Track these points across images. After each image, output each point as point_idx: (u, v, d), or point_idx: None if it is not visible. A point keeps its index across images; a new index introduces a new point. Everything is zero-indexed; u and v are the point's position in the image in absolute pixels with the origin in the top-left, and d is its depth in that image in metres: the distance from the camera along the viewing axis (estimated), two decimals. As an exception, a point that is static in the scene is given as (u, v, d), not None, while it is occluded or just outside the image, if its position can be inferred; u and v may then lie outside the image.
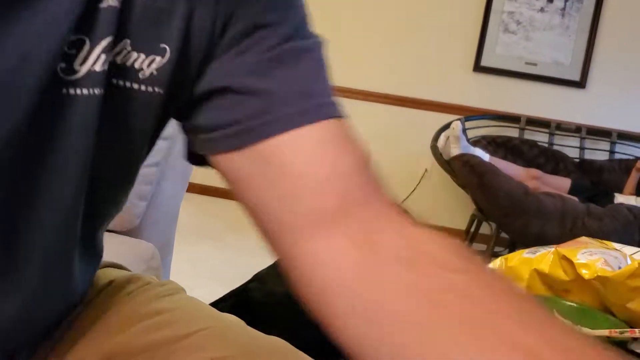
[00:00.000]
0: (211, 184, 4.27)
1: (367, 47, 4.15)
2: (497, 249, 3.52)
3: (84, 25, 0.42)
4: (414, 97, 4.12)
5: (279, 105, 0.48)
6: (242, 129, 0.48)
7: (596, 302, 0.84)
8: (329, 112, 0.53)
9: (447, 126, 3.56)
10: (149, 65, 0.47)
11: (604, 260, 0.80)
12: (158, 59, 0.48)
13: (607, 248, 0.90)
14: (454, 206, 4.09)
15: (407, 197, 4.13)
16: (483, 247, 3.55)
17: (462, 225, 3.76)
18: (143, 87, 0.48)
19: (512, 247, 3.79)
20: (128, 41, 0.46)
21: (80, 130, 0.45)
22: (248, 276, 2.84)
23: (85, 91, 0.44)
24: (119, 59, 0.46)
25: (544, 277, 0.91)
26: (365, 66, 4.16)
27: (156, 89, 0.49)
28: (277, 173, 0.47)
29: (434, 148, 3.51)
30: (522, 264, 0.97)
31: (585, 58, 3.99)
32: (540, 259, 0.93)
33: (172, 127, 1.12)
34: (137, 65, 0.47)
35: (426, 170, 4.13)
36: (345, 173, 0.50)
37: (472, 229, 3.64)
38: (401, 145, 4.17)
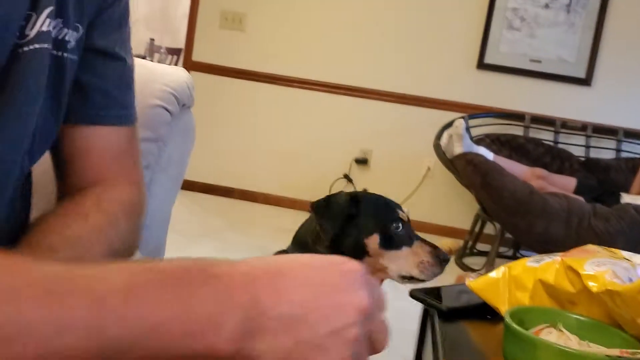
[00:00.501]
0: (213, 182, 4.24)
1: (370, 45, 4.10)
2: (501, 249, 3.48)
3: (33, 4, 0.61)
4: (417, 95, 4.07)
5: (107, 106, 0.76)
6: (78, 113, 0.74)
7: (604, 316, 0.80)
8: (134, 119, 0.81)
9: (450, 124, 3.52)
10: (73, 38, 0.68)
11: (612, 271, 0.76)
12: (76, 34, 0.69)
13: (616, 257, 0.85)
14: (458, 205, 4.05)
15: (410, 195, 4.09)
16: (487, 247, 3.51)
17: (466, 225, 3.72)
18: (67, 55, 0.68)
19: (517, 247, 3.75)
20: (60, 20, 0.66)
21: (35, 77, 0.63)
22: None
23: (37, 46, 0.62)
24: (53, 33, 0.65)
25: (549, 288, 0.86)
26: (368, 64, 4.11)
27: (75, 57, 0.69)
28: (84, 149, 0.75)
29: (437, 146, 3.46)
30: (525, 272, 0.92)
31: (590, 55, 3.94)
32: (545, 268, 0.89)
33: (163, 130, 1.08)
34: (67, 38, 0.67)
35: (429, 168, 4.09)
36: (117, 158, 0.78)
37: (477, 229, 3.59)
38: (404, 143, 4.13)
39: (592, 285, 0.76)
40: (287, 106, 4.19)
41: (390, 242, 1.15)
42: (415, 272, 1.17)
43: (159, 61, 6.31)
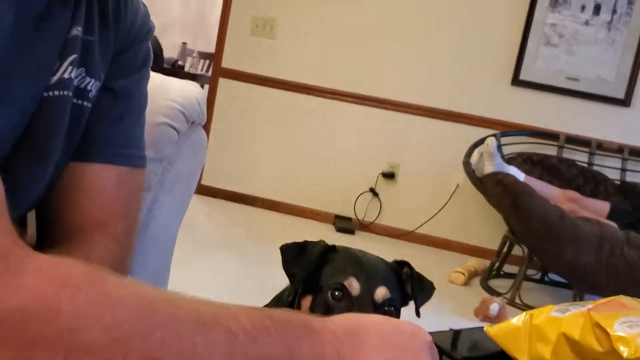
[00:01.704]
0: (237, 190, 4.21)
1: (402, 57, 4.03)
2: (529, 271, 3.36)
3: (61, 51, 0.63)
4: (449, 110, 3.98)
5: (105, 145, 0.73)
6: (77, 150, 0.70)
7: (635, 381, 0.72)
8: (136, 162, 0.77)
9: (481, 141, 3.42)
10: (95, 87, 0.69)
11: (646, 336, 0.68)
12: (98, 83, 0.70)
13: (651, 315, 0.77)
14: (486, 225, 3.94)
15: (437, 212, 3.99)
16: (514, 269, 3.39)
17: (493, 245, 3.60)
18: (87, 104, 0.68)
19: (545, 271, 3.62)
20: (83, 69, 0.67)
21: (57, 124, 0.63)
22: (267, 287, 2.76)
23: (57, 93, 0.62)
24: (76, 81, 0.66)
25: (574, 344, 0.78)
26: (400, 76, 4.04)
27: (90, 105, 0.69)
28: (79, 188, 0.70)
29: (466, 164, 3.37)
30: (549, 323, 0.84)
31: (631, 75, 3.80)
32: (570, 321, 0.81)
33: (168, 149, 1.03)
34: (89, 87, 0.68)
35: (458, 185, 3.99)
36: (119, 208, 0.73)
37: (504, 250, 3.48)
38: (433, 159, 4.04)
39: (623, 350, 0.68)
40: (316, 116, 4.14)
41: (318, 309, 0.93)
42: None
43: (191, 65, 6.32)
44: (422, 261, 3.72)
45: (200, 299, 0.49)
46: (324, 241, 0.99)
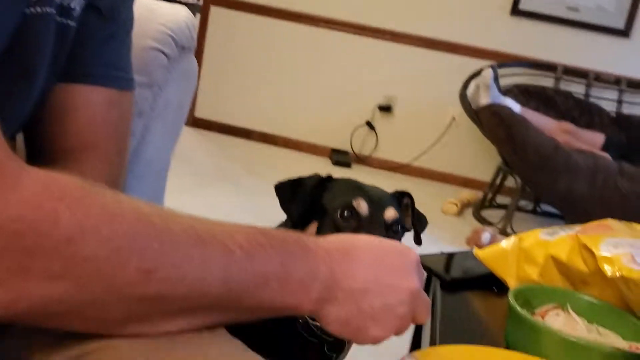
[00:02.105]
0: (233, 123, 4.18)
1: (398, -16, 3.93)
2: (521, 202, 3.39)
3: None
4: (445, 40, 3.91)
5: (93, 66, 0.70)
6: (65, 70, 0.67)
7: (618, 299, 0.74)
8: (125, 84, 0.74)
9: (478, 73, 3.38)
10: (79, 5, 0.64)
11: (631, 255, 0.69)
12: (82, 1, 0.65)
13: (636, 237, 0.78)
14: (480, 157, 3.94)
15: (433, 145, 3.99)
16: (508, 200, 3.43)
17: (487, 177, 3.63)
18: (72, 23, 0.64)
19: (537, 202, 3.66)
20: None
21: (40, 41, 0.59)
22: (263, 220, 2.78)
23: (39, 9, 0.57)
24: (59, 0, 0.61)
25: (561, 266, 0.80)
26: (397, 6, 3.94)
27: (75, 24, 0.65)
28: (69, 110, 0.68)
29: (463, 96, 3.34)
30: (537, 246, 0.86)
31: (632, 4, 3.72)
32: (558, 243, 0.82)
33: (158, 74, 1.02)
34: (72, 5, 0.63)
35: (454, 118, 3.97)
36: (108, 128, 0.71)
37: (497, 182, 3.50)
38: (429, 91, 4.00)
39: (607, 269, 0.70)
40: (311, 47, 4.06)
41: (325, 232, 0.88)
42: None
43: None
44: (418, 193, 3.71)
45: (196, 217, 0.50)
46: (318, 174, 0.97)
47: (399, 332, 0.56)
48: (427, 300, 0.58)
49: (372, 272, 0.55)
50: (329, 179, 0.96)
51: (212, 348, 0.49)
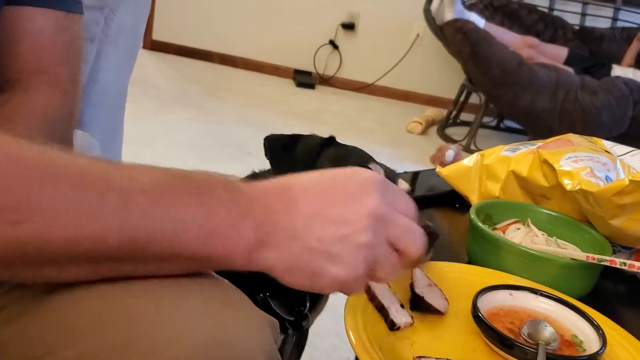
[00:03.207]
0: (191, 45, 4.06)
1: None
2: (485, 119, 3.42)
3: None
4: (408, -47, 3.80)
5: None
6: None
7: (577, 212, 0.76)
8: (72, 7, 0.70)
9: (442, -13, 3.31)
10: None
11: (589, 169, 0.71)
12: None
13: (596, 151, 0.80)
14: (445, 75, 3.93)
15: (397, 63, 3.95)
16: (472, 117, 3.45)
17: (452, 95, 3.63)
18: None
19: (501, 118, 3.70)
20: None
21: None
22: (226, 143, 2.75)
23: None
24: None
25: (522, 181, 0.81)
26: None
27: None
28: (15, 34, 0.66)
29: (427, 11, 3.28)
30: (499, 162, 0.87)
31: None
32: (519, 159, 0.83)
33: (108, -5, 0.96)
34: None
35: (418, 35, 3.91)
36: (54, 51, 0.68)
37: (461, 99, 3.51)
38: (394, 7, 3.91)
39: (567, 183, 0.71)
40: (270, -37, 3.91)
41: None
42: None
43: None
44: (382, 113, 3.75)
45: (94, 158, 0.45)
46: (315, 135, 0.84)
47: (373, 267, 0.46)
48: (411, 226, 0.48)
49: (317, 201, 0.46)
50: (332, 141, 0.83)
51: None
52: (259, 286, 0.84)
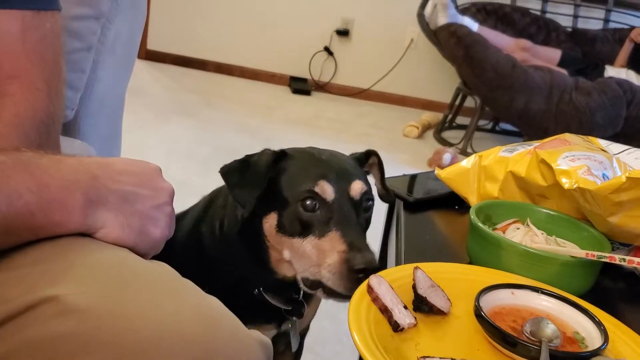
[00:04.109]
0: (187, 54, 4.07)
1: None
2: (481, 122, 3.44)
3: None
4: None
5: None
6: None
7: (575, 211, 0.76)
8: (41, 4, 0.68)
9: (435, -8, 3.33)
10: None
11: (586, 167, 0.71)
12: None
13: (592, 150, 0.80)
14: (440, 79, 3.94)
15: (392, 68, 3.97)
16: (467, 120, 3.46)
17: (448, 99, 3.64)
18: None
19: (496, 121, 3.71)
20: None
21: None
22: (222, 153, 2.76)
23: None
24: None
25: (520, 181, 0.82)
26: None
27: None
28: None
29: (421, 16, 3.30)
30: (497, 163, 0.87)
31: None
32: (517, 159, 0.84)
33: (104, 4, 0.97)
34: None
35: (412, 40, 3.93)
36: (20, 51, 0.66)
37: (457, 103, 3.52)
38: (387, 12, 3.93)
39: (565, 181, 0.72)
40: (263, -29, 3.93)
41: (289, 225, 0.79)
42: (320, 275, 0.77)
43: None
44: (379, 118, 3.76)
45: None
46: (269, 149, 0.85)
47: (171, 230, 0.59)
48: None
49: (135, 177, 0.56)
50: (283, 154, 0.84)
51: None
52: (253, 283, 0.88)
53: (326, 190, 0.79)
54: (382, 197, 0.93)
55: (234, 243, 0.86)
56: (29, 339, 0.42)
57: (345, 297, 0.76)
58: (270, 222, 0.81)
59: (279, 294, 0.89)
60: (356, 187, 0.81)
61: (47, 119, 0.65)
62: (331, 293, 0.78)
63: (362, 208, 0.82)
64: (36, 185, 0.47)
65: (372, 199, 0.84)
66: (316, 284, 0.79)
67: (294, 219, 0.79)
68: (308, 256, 0.79)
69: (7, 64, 0.64)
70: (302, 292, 0.88)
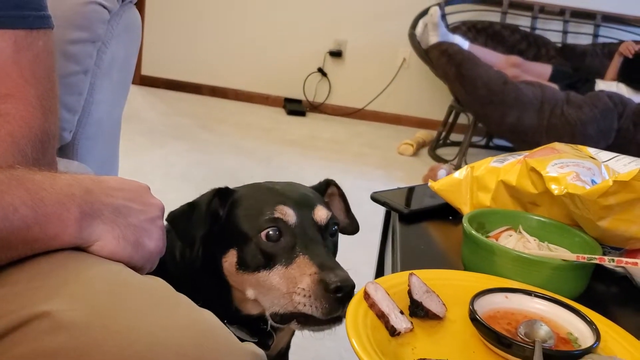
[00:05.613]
0: (180, 79, 4.10)
1: None
2: (475, 138, 3.47)
3: None
4: (391, -20, 3.88)
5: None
6: None
7: (566, 217, 0.78)
8: (33, 23, 0.69)
9: (425, 12, 3.38)
10: None
11: (575, 174, 0.73)
12: None
13: (581, 157, 0.82)
14: (433, 97, 3.99)
15: (385, 88, 4.01)
16: (461, 137, 3.49)
17: (441, 116, 3.68)
18: None
19: (490, 137, 3.74)
20: None
21: None
22: (222, 172, 2.77)
23: None
24: None
25: (511, 190, 0.83)
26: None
27: None
28: None
29: (412, 36, 3.35)
30: (488, 173, 0.89)
31: None
32: (507, 169, 0.85)
33: (100, 29, 0.99)
34: None
35: (404, 60, 3.98)
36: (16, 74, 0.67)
37: (450, 120, 3.56)
38: (379, 33, 3.98)
39: (554, 188, 0.73)
40: (256, -5, 3.99)
41: (252, 260, 0.75)
42: (293, 304, 0.72)
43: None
44: (374, 137, 3.79)
45: None
46: (213, 189, 0.82)
47: (164, 244, 0.61)
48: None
49: (127, 193, 0.58)
50: (227, 190, 0.82)
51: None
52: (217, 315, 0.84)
53: (287, 212, 0.75)
54: (345, 230, 0.89)
55: (195, 278, 0.82)
56: (21, 354, 0.43)
57: (323, 323, 0.72)
58: (229, 260, 0.77)
59: (245, 326, 0.82)
60: (320, 213, 0.78)
61: (43, 135, 0.66)
62: (306, 322, 0.73)
63: (328, 232, 0.79)
64: (31, 199, 0.48)
65: (338, 224, 0.82)
66: (287, 317, 0.74)
67: (256, 252, 0.75)
68: (276, 288, 0.74)
69: (1, 84, 0.65)
70: (269, 322, 0.80)
